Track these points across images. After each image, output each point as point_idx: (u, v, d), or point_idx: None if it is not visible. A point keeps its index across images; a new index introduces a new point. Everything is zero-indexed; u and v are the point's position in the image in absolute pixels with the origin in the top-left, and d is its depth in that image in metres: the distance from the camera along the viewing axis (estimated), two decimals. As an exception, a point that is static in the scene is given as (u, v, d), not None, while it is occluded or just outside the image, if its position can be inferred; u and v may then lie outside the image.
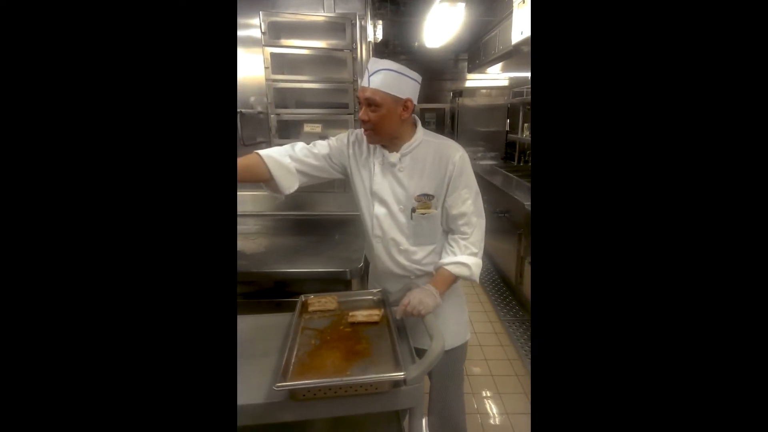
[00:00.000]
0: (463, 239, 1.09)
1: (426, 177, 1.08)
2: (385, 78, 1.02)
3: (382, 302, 1.07)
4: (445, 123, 4.77)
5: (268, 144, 1.77)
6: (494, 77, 4.51)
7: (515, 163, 4.07)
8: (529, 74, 3.59)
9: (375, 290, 1.14)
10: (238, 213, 1.96)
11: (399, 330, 0.95)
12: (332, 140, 1.21)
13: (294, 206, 2.05)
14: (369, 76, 1.04)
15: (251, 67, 1.74)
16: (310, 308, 1.05)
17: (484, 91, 4.66)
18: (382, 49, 4.03)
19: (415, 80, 1.07)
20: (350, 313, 0.99)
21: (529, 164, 3.87)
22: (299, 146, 1.17)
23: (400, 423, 1.02)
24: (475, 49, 4.09)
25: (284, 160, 1.12)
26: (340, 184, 2.05)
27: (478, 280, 1.14)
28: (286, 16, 1.63)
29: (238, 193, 1.94)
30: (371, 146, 1.16)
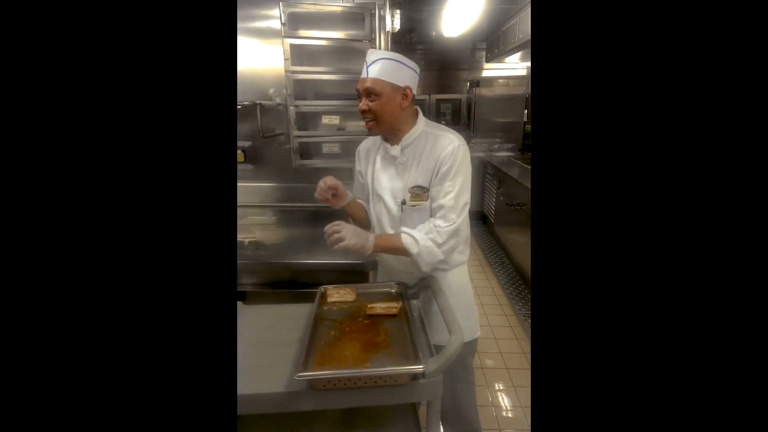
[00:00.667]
0: (435, 227, 1.05)
1: (420, 169, 1.08)
2: (383, 67, 1.03)
3: (401, 295, 1.08)
4: (461, 114, 4.70)
5: (287, 136, 1.78)
6: (512, 66, 4.41)
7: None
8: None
9: (393, 282, 1.14)
10: (256, 204, 1.99)
11: (417, 323, 0.96)
12: (356, 167, 1.27)
13: (310, 197, 2.07)
14: (367, 67, 1.04)
15: (270, 59, 1.74)
16: (329, 299, 1.07)
17: (501, 80, 4.56)
18: (399, 39, 3.98)
19: (413, 69, 1.07)
20: (369, 305, 1.00)
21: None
22: (355, 189, 1.29)
23: (417, 414, 1.03)
24: (493, 38, 4.00)
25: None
26: (357, 175, 2.06)
27: (424, 268, 1.07)
28: (306, 7, 1.62)
29: (258, 184, 1.98)
30: (376, 146, 1.17)
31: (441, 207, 1.06)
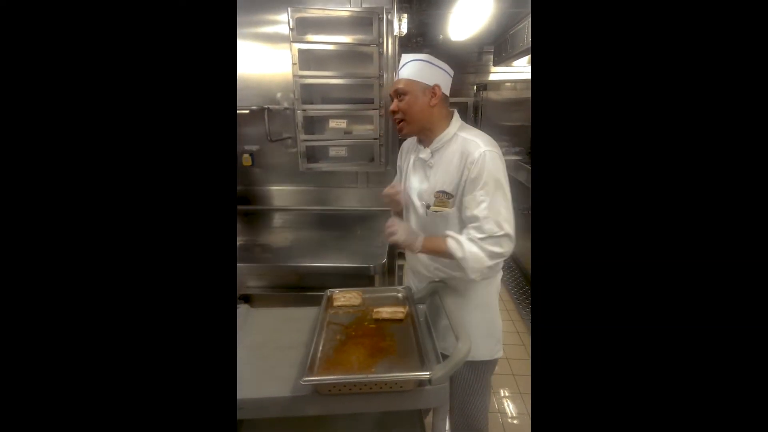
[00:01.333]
0: (474, 236, 1.01)
1: (448, 174, 1.05)
2: (413, 67, 1.04)
3: (407, 299, 1.07)
4: (468, 117, 4.69)
5: (294, 140, 1.79)
6: (519, 70, 4.39)
7: (541, 158, 3.96)
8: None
9: (400, 287, 1.14)
10: (264, 207, 2.00)
11: (424, 328, 0.95)
12: (398, 162, 1.29)
13: (317, 201, 2.08)
14: (398, 70, 1.06)
15: (278, 64, 1.76)
16: (336, 303, 1.06)
17: (509, 84, 4.54)
18: (405, 44, 3.99)
19: (445, 70, 1.07)
20: (375, 310, 1.00)
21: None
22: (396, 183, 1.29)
23: (423, 421, 1.02)
24: (501, 42, 3.99)
25: None
26: (362, 179, 2.06)
27: (471, 274, 1.02)
28: (314, 12, 1.64)
29: (265, 188, 1.99)
30: (413, 145, 1.18)
31: (475, 218, 1.00)
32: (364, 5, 1.70)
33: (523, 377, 2.02)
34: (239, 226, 1.79)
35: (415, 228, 1.15)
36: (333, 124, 1.73)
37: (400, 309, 1.00)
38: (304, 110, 1.70)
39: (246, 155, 1.88)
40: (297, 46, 1.62)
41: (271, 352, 0.91)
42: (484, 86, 4.51)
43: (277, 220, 1.93)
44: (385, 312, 0.99)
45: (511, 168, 3.61)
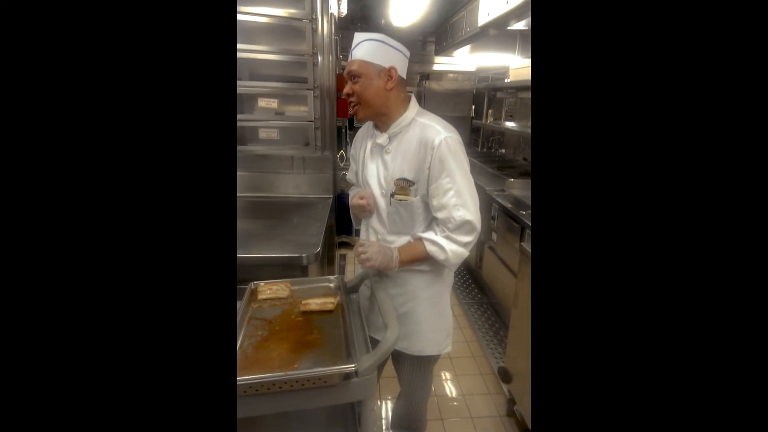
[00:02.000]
0: (447, 230, 1.01)
1: (408, 160, 1.01)
2: (367, 48, 0.98)
3: (339, 289, 1.03)
4: (412, 106, 4.70)
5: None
6: (461, 61, 4.48)
7: (479, 149, 4.11)
8: (493, 58, 3.59)
9: (332, 276, 1.08)
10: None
11: (356, 319, 0.91)
12: (351, 150, 1.22)
13: (249, 187, 1.94)
14: (351, 51, 0.99)
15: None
16: (260, 296, 0.98)
17: (451, 75, 4.62)
18: (347, 26, 3.87)
19: (402, 51, 1.02)
20: (303, 302, 0.94)
21: (492, 150, 3.92)
22: (353, 180, 1.24)
23: (355, 415, 0.99)
24: (442, 31, 4.03)
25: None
26: (299, 164, 1.96)
27: (453, 268, 1.09)
28: (240, -22, 1.48)
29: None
30: (369, 131, 1.12)
31: (443, 207, 0.99)
32: (296, -24, 1.58)
33: (460, 359, 2.08)
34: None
35: (381, 219, 1.09)
36: (262, 103, 1.60)
37: (330, 299, 0.95)
38: (229, 87, 1.55)
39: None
40: (220, 14, 1.46)
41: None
42: (426, 76, 4.54)
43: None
44: (314, 303, 0.93)
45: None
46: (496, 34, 2.78)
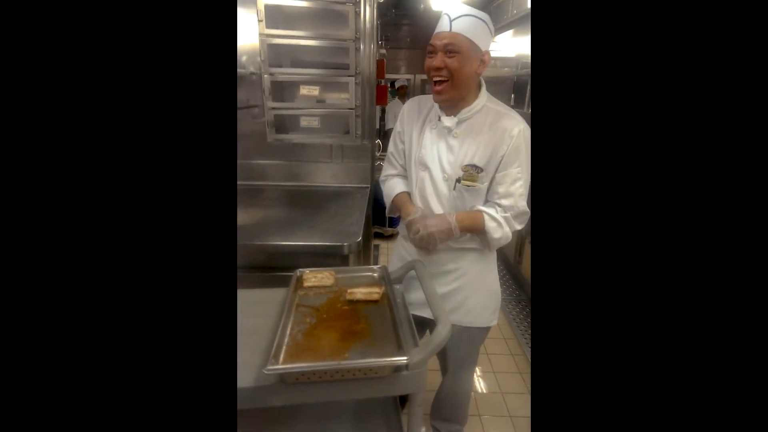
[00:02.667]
0: (509, 214, 1.02)
1: (480, 147, 0.98)
2: (472, 24, 0.92)
3: (383, 279, 1.00)
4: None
5: (261, 108, 1.64)
6: (501, 47, 4.29)
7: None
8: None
9: (375, 266, 1.06)
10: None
11: (401, 310, 0.88)
12: (397, 127, 1.15)
13: (288, 176, 1.95)
14: (451, 20, 0.91)
15: (243, 24, 1.59)
16: (306, 284, 0.98)
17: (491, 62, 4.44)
18: (384, 12, 3.80)
19: (493, 36, 0.97)
20: (349, 290, 0.92)
21: (533, 141, 3.75)
22: (396, 159, 1.18)
23: (398, 408, 0.97)
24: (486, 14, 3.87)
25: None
26: (337, 154, 1.95)
27: (493, 249, 1.09)
28: (283, -37, 1.47)
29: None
30: (426, 110, 1.07)
31: (510, 194, 1.00)
32: (340, -40, 1.54)
33: (497, 356, 2.03)
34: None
35: (435, 201, 1.06)
36: (304, 90, 1.59)
37: (376, 289, 0.92)
38: (271, 74, 1.55)
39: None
40: (264, 1, 1.45)
41: (231, 337, 0.81)
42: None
43: (243, 196, 1.80)
44: (360, 293, 0.91)
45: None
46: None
